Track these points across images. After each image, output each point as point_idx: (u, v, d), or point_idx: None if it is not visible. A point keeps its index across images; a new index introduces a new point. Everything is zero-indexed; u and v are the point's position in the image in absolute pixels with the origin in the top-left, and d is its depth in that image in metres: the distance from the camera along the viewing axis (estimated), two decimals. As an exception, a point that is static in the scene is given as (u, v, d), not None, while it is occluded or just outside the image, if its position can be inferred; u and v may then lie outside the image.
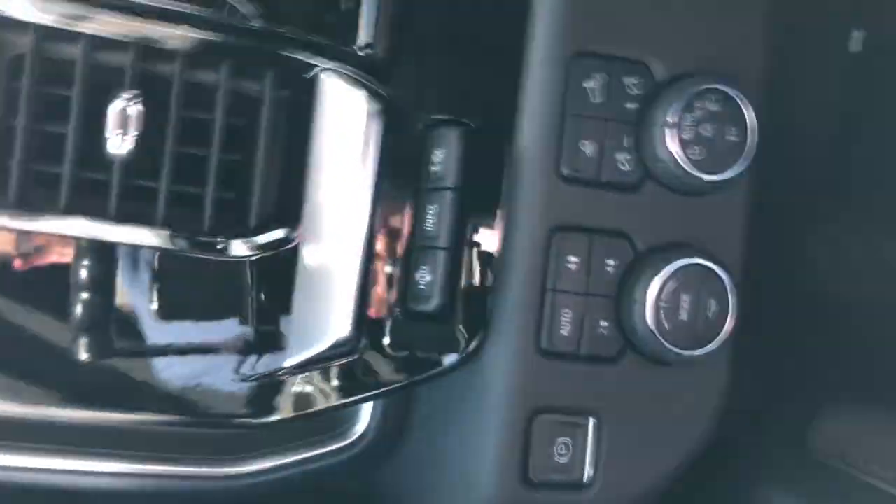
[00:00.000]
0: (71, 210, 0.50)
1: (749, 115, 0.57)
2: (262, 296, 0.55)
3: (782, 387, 1.04)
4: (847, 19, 1.01)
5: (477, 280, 0.56)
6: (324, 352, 0.53)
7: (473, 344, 0.56)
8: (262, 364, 0.54)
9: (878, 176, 1.40)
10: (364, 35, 0.55)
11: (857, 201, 1.36)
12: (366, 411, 0.60)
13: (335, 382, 0.55)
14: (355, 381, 0.55)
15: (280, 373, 0.54)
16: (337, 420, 0.60)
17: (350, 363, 0.54)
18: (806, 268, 1.39)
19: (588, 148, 0.57)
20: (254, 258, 0.54)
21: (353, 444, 0.60)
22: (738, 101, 0.57)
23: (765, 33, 0.60)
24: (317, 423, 0.60)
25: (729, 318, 0.57)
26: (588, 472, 0.57)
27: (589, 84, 0.57)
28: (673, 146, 0.55)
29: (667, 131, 0.55)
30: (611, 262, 0.57)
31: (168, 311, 0.54)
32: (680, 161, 0.55)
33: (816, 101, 1.08)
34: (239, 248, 0.53)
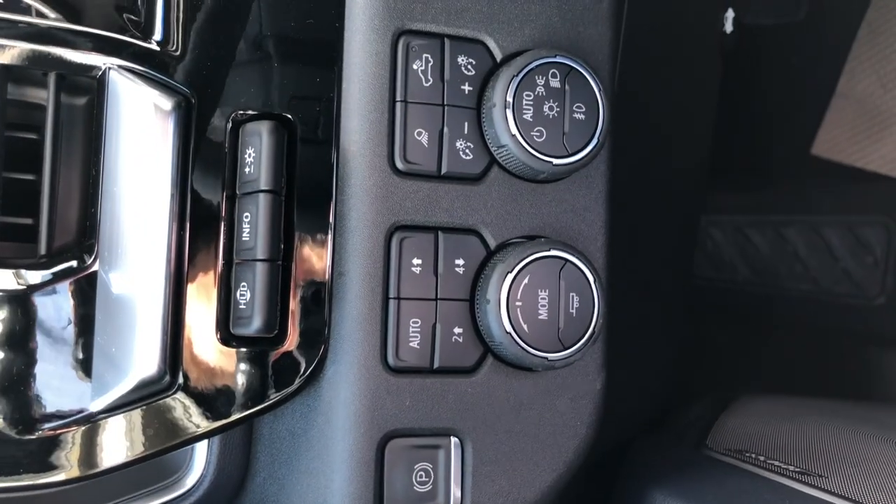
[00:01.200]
0: None
1: (598, 90, 0.52)
2: (61, 333, 0.47)
3: (687, 387, 1.01)
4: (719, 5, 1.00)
5: (310, 294, 0.49)
6: (130, 392, 0.46)
7: (311, 367, 0.49)
8: (63, 411, 0.46)
9: (773, 162, 1.40)
10: (159, 27, 0.49)
11: (759, 191, 1.35)
12: (199, 456, 0.52)
13: (151, 426, 0.47)
14: (176, 423, 0.47)
15: (83, 419, 0.46)
16: (166, 469, 0.53)
17: (166, 403, 0.47)
18: (713, 262, 1.37)
19: (424, 137, 0.51)
20: (46, 291, 0.46)
21: (186, 495, 0.52)
22: (585, 74, 0.52)
23: (611, 4, 0.55)
24: (142, 475, 0.52)
25: (595, 314, 0.52)
26: (454, 498, 0.51)
27: (418, 66, 0.51)
28: (513, 128, 0.50)
29: (507, 112, 0.50)
30: (460, 261, 0.51)
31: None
32: (523, 144, 0.50)
33: (700, 88, 1.06)
34: (19, 280, 0.46)
